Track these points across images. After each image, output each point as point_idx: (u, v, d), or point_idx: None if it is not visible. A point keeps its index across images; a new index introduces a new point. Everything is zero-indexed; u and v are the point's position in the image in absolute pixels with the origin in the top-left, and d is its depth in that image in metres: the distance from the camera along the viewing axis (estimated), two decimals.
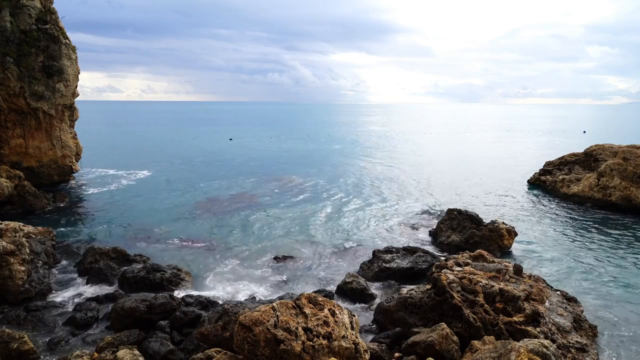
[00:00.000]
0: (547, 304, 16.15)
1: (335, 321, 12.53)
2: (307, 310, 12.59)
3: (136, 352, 13.53)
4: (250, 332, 11.71)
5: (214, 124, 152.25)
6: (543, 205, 36.55)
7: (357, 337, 12.68)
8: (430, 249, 25.28)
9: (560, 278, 21.59)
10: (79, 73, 40.60)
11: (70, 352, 14.20)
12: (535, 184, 43.79)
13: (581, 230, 29.27)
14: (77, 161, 43.03)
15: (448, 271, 17.32)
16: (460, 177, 48.90)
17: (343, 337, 12.13)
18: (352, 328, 12.90)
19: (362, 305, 18.88)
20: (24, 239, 20.69)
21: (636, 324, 17.32)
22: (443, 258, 21.16)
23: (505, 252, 24.88)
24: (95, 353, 13.97)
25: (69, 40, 39.53)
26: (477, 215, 27.05)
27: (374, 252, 23.52)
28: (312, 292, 14.53)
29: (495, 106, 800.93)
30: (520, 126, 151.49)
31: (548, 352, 11.25)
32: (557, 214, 33.44)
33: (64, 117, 40.22)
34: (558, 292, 17.77)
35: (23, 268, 19.25)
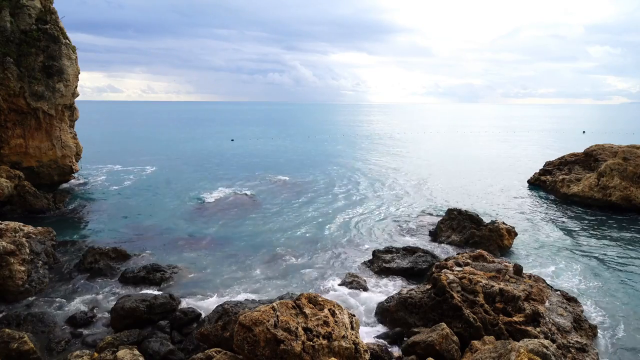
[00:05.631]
0: (547, 304, 16.15)
1: (335, 321, 12.53)
2: (307, 310, 12.60)
3: (136, 352, 13.54)
4: (250, 332, 11.72)
5: (215, 124, 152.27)
6: (543, 205, 36.55)
7: (357, 337, 12.68)
8: (430, 249, 25.26)
9: (560, 278, 21.59)
10: (79, 73, 40.59)
11: (70, 352, 14.20)
12: (535, 184, 43.79)
13: (581, 230, 29.27)
14: (77, 161, 43.03)
15: (448, 271, 17.33)
16: (460, 177, 48.89)
17: (343, 337, 12.13)
18: (352, 328, 12.90)
19: (362, 305, 18.87)
20: (24, 239, 20.69)
21: (636, 324, 17.32)
22: (443, 258, 21.18)
23: (505, 252, 24.87)
24: (95, 353, 13.98)
25: (69, 40, 39.53)
26: (477, 215, 27.05)
27: (374, 252, 23.52)
28: (312, 292, 14.54)
29: (495, 106, 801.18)
30: (521, 126, 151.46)
31: (548, 352, 11.24)
32: (557, 214, 33.44)
33: (64, 117, 40.22)
34: (558, 292, 17.77)
35: (23, 268, 19.25)
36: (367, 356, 12.49)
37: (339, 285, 20.42)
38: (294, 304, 12.85)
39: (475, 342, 13.75)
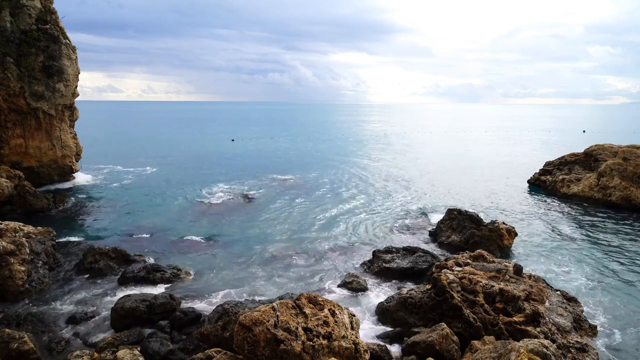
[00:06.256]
0: (547, 304, 16.14)
1: (335, 321, 12.53)
2: (307, 310, 12.59)
3: (136, 352, 13.54)
4: (250, 332, 11.71)
5: (215, 124, 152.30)
6: (543, 205, 36.54)
7: (357, 337, 12.68)
8: (430, 249, 25.27)
9: (560, 278, 21.59)
10: (79, 73, 40.61)
11: (70, 352, 14.20)
12: (535, 184, 43.79)
13: (581, 230, 29.27)
14: (77, 161, 43.05)
15: (448, 271, 17.33)
16: (460, 177, 48.91)
17: (343, 337, 12.13)
18: (352, 328, 12.90)
19: (362, 304, 18.87)
20: (24, 239, 20.69)
21: (636, 324, 17.32)
22: (443, 258, 21.16)
23: (505, 252, 24.87)
24: (95, 353, 13.98)
25: (69, 40, 39.55)
26: (477, 215, 27.05)
27: (374, 252, 23.52)
28: (312, 292, 14.53)
29: (495, 106, 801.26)
30: (521, 126, 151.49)
31: (548, 352, 11.24)
32: (557, 214, 33.43)
33: (64, 117, 40.23)
34: (558, 292, 17.76)
35: (23, 268, 19.26)
36: (367, 356, 12.49)
37: (339, 285, 20.43)
38: (294, 304, 12.84)
39: (475, 342, 13.74)
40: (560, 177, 40.51)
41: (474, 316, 15.02)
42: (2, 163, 35.41)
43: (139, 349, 14.45)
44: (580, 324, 15.90)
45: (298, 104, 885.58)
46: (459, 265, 18.35)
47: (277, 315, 12.03)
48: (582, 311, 17.17)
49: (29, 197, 32.23)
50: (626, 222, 31.07)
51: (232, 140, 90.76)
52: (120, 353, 13.28)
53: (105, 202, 36.30)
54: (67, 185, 41.31)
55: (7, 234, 20.38)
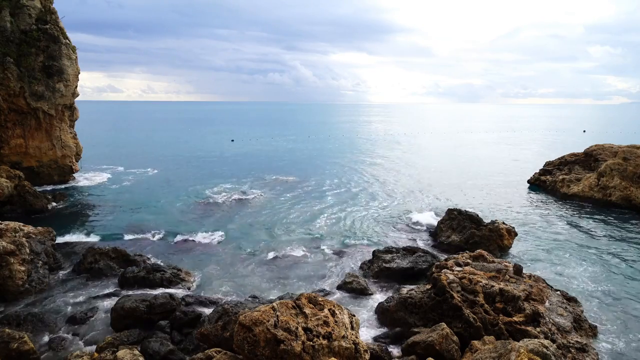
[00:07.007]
0: (547, 304, 16.14)
1: (335, 321, 12.53)
2: (307, 310, 12.59)
3: (136, 352, 13.53)
4: (250, 332, 11.71)
5: (215, 124, 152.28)
6: (543, 205, 36.54)
7: (357, 337, 12.68)
8: (430, 249, 25.26)
9: (560, 278, 21.59)
10: (79, 73, 40.63)
11: (70, 352, 14.21)
12: (535, 184, 43.79)
13: (581, 231, 29.26)
14: (77, 161, 43.05)
15: (448, 271, 17.33)
16: (460, 177, 48.90)
17: (343, 337, 12.13)
18: (352, 328, 12.90)
19: (362, 305, 18.87)
20: (24, 239, 20.69)
21: (636, 324, 17.31)
22: (443, 258, 21.15)
23: (505, 252, 24.87)
24: (95, 353, 13.98)
25: (69, 40, 39.57)
26: (477, 215, 27.05)
27: (374, 252, 23.52)
28: (312, 292, 14.53)
29: (495, 106, 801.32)
30: (521, 126, 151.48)
31: (548, 352, 11.24)
32: (557, 214, 33.43)
33: (64, 117, 40.24)
34: (558, 292, 17.76)
35: (23, 268, 19.26)
36: (367, 356, 12.49)
37: (339, 285, 20.42)
38: (294, 304, 12.84)
39: (475, 342, 13.74)
40: (560, 177, 40.51)
41: (474, 316, 15.02)
42: (2, 163, 35.42)
43: (139, 349, 14.45)
44: (580, 324, 15.90)
45: (298, 104, 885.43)
46: (459, 265, 18.35)
47: (277, 315, 12.03)
48: (582, 311, 17.17)
49: (29, 197, 32.23)
50: (626, 222, 31.07)
51: (232, 140, 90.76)
52: (120, 353, 13.28)
53: (106, 202, 36.29)
54: (67, 185, 41.31)
55: (7, 234, 20.38)
